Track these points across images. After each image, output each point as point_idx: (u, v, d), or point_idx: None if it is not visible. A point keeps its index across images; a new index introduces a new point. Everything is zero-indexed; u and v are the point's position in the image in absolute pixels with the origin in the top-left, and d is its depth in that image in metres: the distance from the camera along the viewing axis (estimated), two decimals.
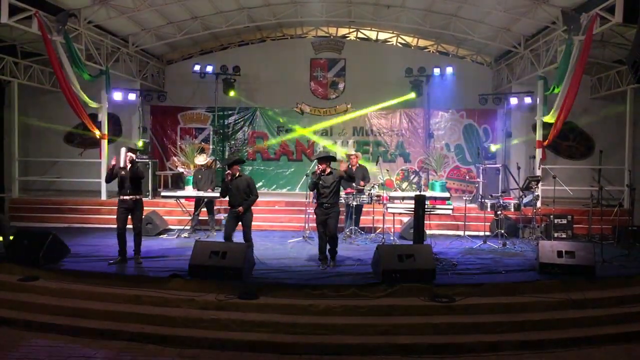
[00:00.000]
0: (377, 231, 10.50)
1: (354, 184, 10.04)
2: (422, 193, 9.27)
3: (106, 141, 12.83)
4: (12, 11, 9.24)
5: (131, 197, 7.81)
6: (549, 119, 11.16)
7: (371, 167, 12.80)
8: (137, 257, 7.97)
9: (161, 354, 5.59)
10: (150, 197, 12.70)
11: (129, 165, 7.78)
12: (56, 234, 7.76)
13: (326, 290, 6.53)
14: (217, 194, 9.46)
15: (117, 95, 13.61)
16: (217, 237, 9.73)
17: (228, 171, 7.97)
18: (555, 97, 10.59)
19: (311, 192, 8.62)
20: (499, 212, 10.06)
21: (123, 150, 7.95)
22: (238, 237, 8.10)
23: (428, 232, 9.01)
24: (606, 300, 6.64)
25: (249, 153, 15.53)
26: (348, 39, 15.98)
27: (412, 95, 14.27)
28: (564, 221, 10.47)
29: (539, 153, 12.19)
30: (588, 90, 13.93)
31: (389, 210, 9.91)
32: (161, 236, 10.49)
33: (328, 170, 7.76)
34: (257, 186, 14.85)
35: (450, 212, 10.01)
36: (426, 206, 8.70)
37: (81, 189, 13.70)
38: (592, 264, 7.11)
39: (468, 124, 15.23)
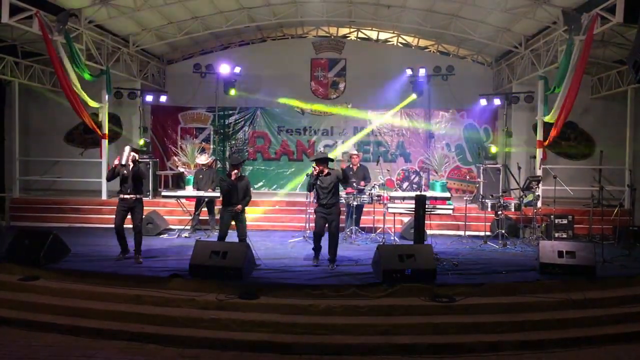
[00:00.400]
0: (378, 231, 10.49)
1: (354, 184, 10.06)
2: (423, 193, 9.27)
3: (107, 141, 12.84)
4: (13, 11, 9.24)
5: (131, 196, 7.89)
6: (550, 119, 11.15)
7: (371, 168, 12.78)
8: (138, 256, 7.99)
9: (161, 353, 5.59)
10: (150, 196, 12.70)
11: (130, 165, 7.81)
12: (57, 234, 7.77)
13: (326, 290, 6.53)
14: (218, 194, 9.48)
15: (118, 95, 13.60)
16: (217, 237, 9.74)
17: (235, 170, 8.03)
18: (556, 97, 10.57)
19: (311, 192, 8.64)
20: (499, 212, 10.06)
21: (127, 148, 7.95)
22: (232, 237, 8.16)
23: (428, 232, 9.00)
24: (607, 300, 6.64)
25: (249, 153, 15.54)
26: (349, 39, 15.98)
27: (414, 96, 14.24)
28: (565, 221, 10.46)
29: (539, 153, 12.19)
30: (589, 90, 13.91)
31: (390, 210, 9.92)
32: (162, 236, 10.50)
33: (326, 171, 7.82)
34: (257, 186, 15.32)
35: (450, 212, 10.02)
36: (427, 206, 8.69)
37: (82, 188, 13.69)
38: (592, 264, 7.11)
39: (469, 124, 15.23)
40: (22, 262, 7.43)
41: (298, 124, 15.59)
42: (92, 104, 12.09)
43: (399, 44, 16.03)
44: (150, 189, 12.83)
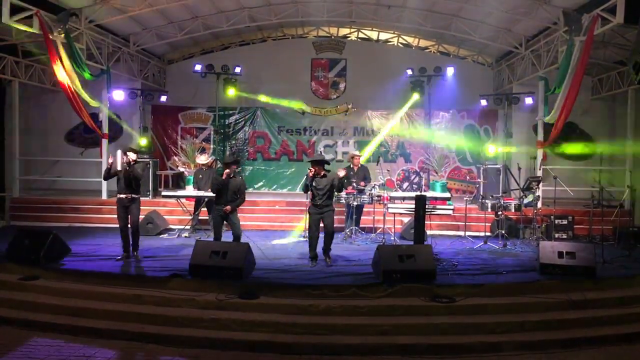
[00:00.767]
0: (378, 231, 10.49)
1: (354, 184, 10.08)
2: (423, 193, 9.27)
3: (107, 140, 12.84)
4: (14, 10, 9.23)
5: (126, 195, 7.94)
6: (550, 119, 11.15)
7: (371, 168, 12.77)
8: (135, 253, 8.10)
9: (161, 353, 5.59)
10: (150, 196, 12.71)
11: (126, 167, 7.85)
12: (57, 234, 7.78)
13: (326, 290, 6.53)
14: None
15: (118, 95, 13.60)
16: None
17: (227, 170, 8.02)
18: (556, 98, 10.58)
19: (307, 193, 8.68)
20: (499, 213, 10.06)
21: (119, 153, 7.96)
22: (227, 237, 8.18)
23: (428, 232, 9.01)
24: (607, 301, 6.64)
25: (249, 153, 15.53)
26: (349, 39, 15.98)
27: (417, 97, 14.21)
28: (565, 222, 10.46)
29: (539, 154, 12.18)
30: (589, 91, 13.91)
31: (390, 210, 9.91)
32: (162, 236, 10.50)
33: (322, 173, 7.90)
34: (257, 186, 15.30)
35: (450, 212, 10.00)
36: (427, 206, 8.69)
37: (82, 188, 13.69)
38: (592, 265, 7.11)
39: (469, 124, 15.23)
40: (22, 261, 7.44)
41: (298, 124, 15.58)
42: (93, 103, 12.09)
43: (399, 44, 16.03)
44: (150, 188, 12.84)
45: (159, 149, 15.48)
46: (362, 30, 15.87)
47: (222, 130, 15.21)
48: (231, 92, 14.36)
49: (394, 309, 6.30)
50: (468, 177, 15.17)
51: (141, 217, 8.83)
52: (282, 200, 13.10)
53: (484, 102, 14.26)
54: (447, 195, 10.98)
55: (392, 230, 10.18)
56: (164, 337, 5.85)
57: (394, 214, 10.00)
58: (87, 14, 11.49)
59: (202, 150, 15.04)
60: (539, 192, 10.81)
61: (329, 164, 8.44)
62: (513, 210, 10.32)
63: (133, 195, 7.98)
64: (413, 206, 8.43)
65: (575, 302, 6.46)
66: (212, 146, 15.34)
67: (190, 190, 11.16)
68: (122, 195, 7.95)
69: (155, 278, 6.95)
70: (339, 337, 5.84)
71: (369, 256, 7.84)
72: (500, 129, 14.56)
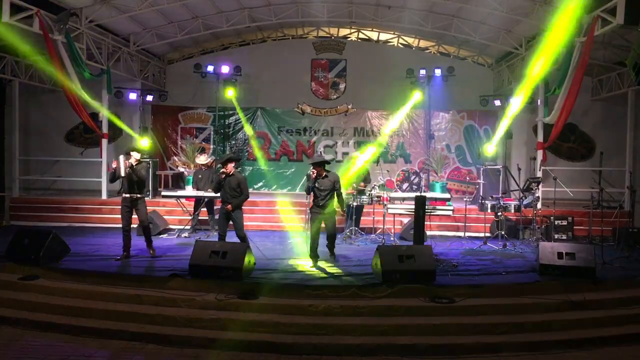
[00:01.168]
0: (378, 232, 10.49)
1: (354, 185, 10.09)
2: (423, 194, 9.28)
3: (106, 140, 12.84)
4: (14, 10, 9.23)
5: (130, 195, 7.98)
6: (550, 120, 11.15)
7: (371, 168, 12.77)
8: (150, 249, 8.21)
9: (161, 353, 5.59)
10: (150, 196, 12.69)
11: (129, 172, 7.89)
12: (57, 233, 7.77)
13: (326, 290, 6.53)
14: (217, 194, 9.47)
15: (118, 95, 13.59)
16: (217, 236, 9.74)
17: (223, 169, 8.06)
18: (556, 99, 10.58)
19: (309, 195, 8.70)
20: (499, 213, 10.06)
21: (121, 158, 7.96)
22: (232, 237, 8.18)
23: (428, 233, 9.02)
24: (606, 301, 6.64)
25: (249, 153, 15.54)
26: (349, 39, 15.98)
27: (417, 97, 14.17)
28: (565, 223, 10.47)
29: (539, 154, 12.19)
30: (589, 92, 13.90)
31: (390, 211, 9.92)
32: (161, 236, 10.49)
33: (323, 174, 7.95)
34: (257, 186, 15.29)
35: (450, 213, 10.00)
36: (426, 207, 8.70)
37: (82, 188, 13.69)
38: (592, 266, 7.11)
39: (469, 125, 15.24)
40: (22, 261, 7.43)
41: (298, 124, 15.59)
42: (93, 103, 12.08)
43: (399, 44, 16.02)
44: (150, 188, 12.81)
45: (159, 149, 15.47)
46: (362, 31, 15.88)
47: (222, 131, 15.22)
48: (230, 92, 14.35)
49: (394, 309, 6.30)
50: (468, 178, 15.18)
51: None
52: (282, 200, 13.07)
53: (484, 103, 14.26)
54: (447, 195, 10.99)
55: (392, 230, 10.18)
56: (164, 337, 5.85)
57: (394, 214, 10.01)
58: (87, 14, 11.49)
59: (202, 151, 15.04)
60: (538, 193, 10.81)
61: (329, 164, 8.46)
62: (513, 211, 10.32)
63: (137, 195, 8.03)
64: (413, 207, 8.43)
65: (575, 303, 6.47)
66: (212, 146, 15.35)
67: (190, 191, 11.17)
68: (127, 195, 8.00)
69: (155, 278, 6.95)
70: (339, 337, 5.84)
71: (369, 257, 7.83)
72: (500, 130, 14.53)
